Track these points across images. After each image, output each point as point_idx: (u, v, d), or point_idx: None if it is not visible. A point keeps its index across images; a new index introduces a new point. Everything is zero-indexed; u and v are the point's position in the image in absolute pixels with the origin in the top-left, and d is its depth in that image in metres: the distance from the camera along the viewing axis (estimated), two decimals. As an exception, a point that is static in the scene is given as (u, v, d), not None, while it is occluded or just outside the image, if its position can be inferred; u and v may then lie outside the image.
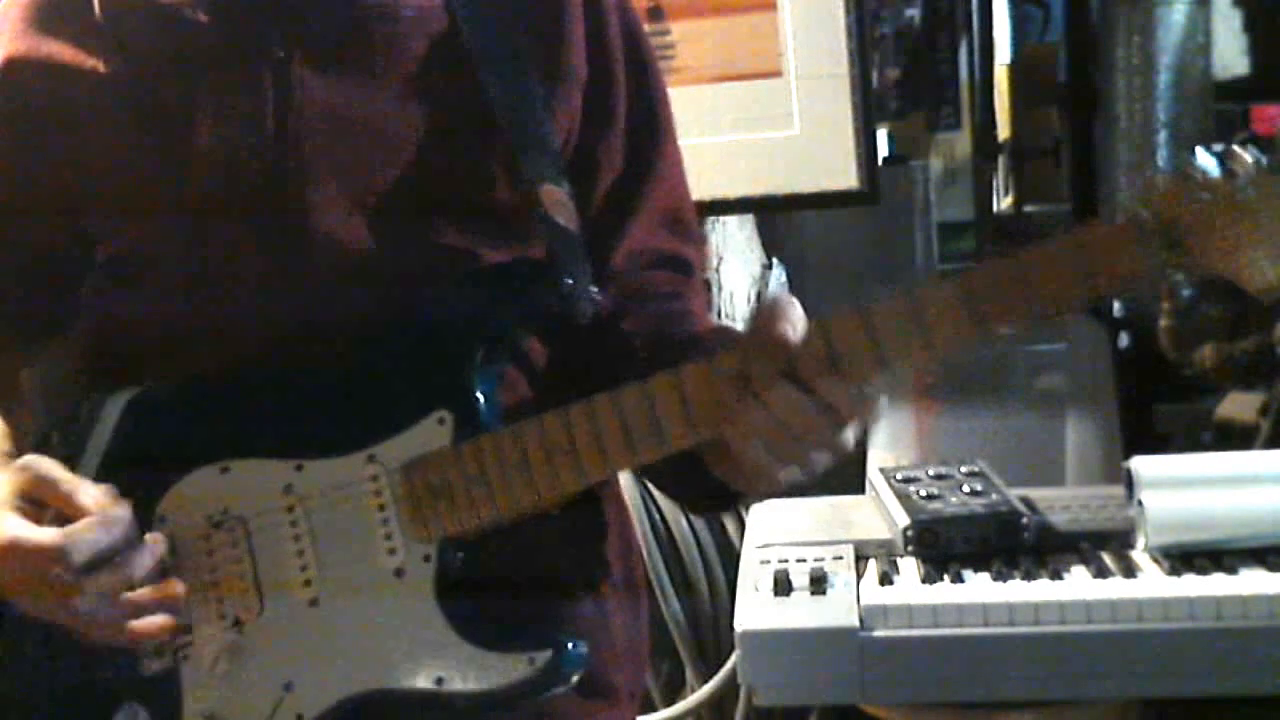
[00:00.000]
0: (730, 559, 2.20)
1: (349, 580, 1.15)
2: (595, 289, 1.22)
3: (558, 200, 1.19)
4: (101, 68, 1.21)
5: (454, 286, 1.18)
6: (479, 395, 1.15)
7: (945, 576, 1.75)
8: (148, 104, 1.20)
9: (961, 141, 2.96)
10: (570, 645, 1.13)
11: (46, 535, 1.10)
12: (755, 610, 1.69)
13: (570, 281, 1.17)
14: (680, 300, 1.29)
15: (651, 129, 1.29)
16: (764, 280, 2.43)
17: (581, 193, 1.23)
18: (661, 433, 1.09)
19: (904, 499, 1.89)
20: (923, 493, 1.90)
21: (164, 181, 1.20)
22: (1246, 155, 1.00)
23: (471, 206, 1.21)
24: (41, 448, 1.21)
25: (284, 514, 1.16)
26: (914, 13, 2.89)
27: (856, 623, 1.65)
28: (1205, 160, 1.02)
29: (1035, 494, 1.96)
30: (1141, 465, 1.84)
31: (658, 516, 2.29)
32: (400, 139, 1.20)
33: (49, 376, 1.33)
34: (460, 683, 1.12)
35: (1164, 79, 2.42)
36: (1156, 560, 1.77)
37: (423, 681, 1.13)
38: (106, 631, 1.12)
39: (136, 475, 1.16)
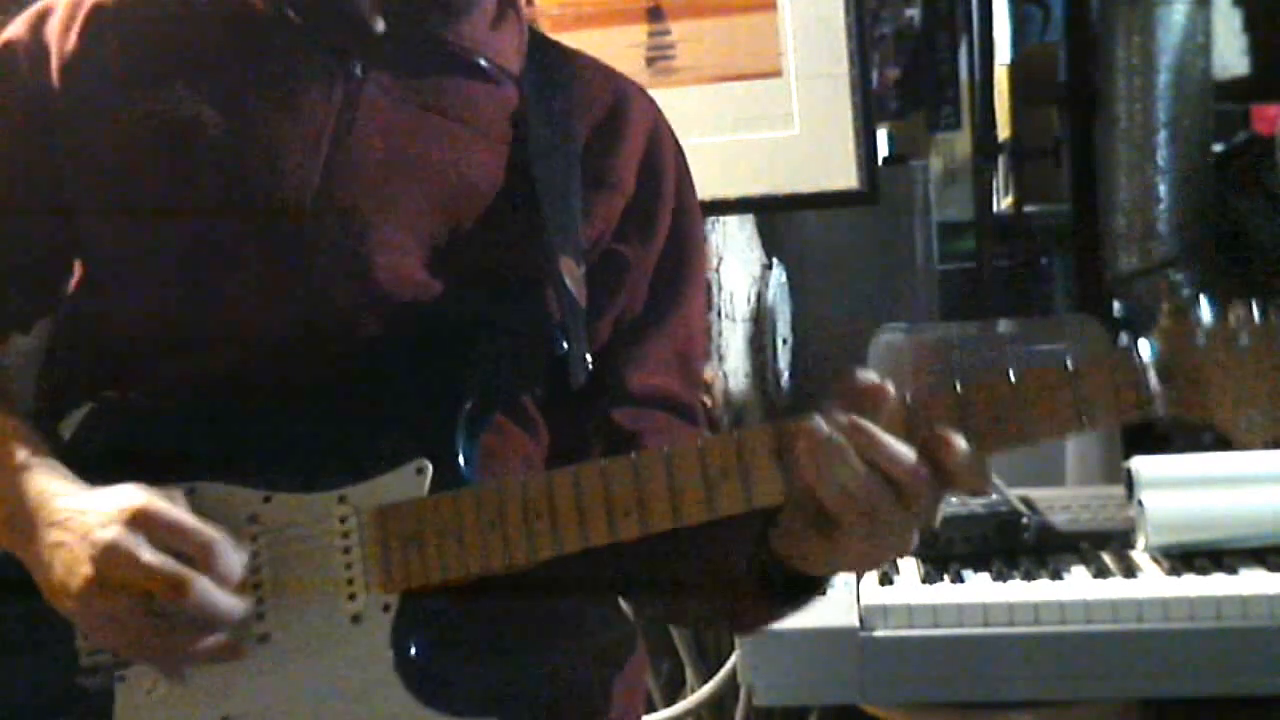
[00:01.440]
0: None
1: (303, 620, 1.11)
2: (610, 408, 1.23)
3: (574, 275, 1.19)
4: (175, 43, 1.22)
5: (449, 337, 1.16)
6: (461, 448, 1.12)
7: (945, 576, 1.75)
8: (214, 89, 1.20)
9: (961, 141, 2.96)
10: (519, 712, 1.10)
11: (202, 526, 1.06)
12: (755, 610, 1.69)
13: (566, 345, 1.16)
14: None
15: (682, 274, 1.30)
16: (764, 280, 2.43)
17: (596, 297, 1.23)
18: (645, 509, 1.05)
19: (904, 499, 1.89)
20: (923, 493, 1.90)
21: (202, 171, 1.19)
22: (1244, 306, 1.00)
23: (496, 263, 1.21)
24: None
25: (246, 544, 1.11)
26: (914, 13, 2.89)
27: (856, 623, 1.65)
28: (1206, 308, 1.01)
29: (1035, 494, 1.96)
30: (1141, 465, 1.84)
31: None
32: (444, 183, 1.20)
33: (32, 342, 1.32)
34: None
35: (1164, 79, 2.42)
36: (1156, 560, 1.78)
37: None
38: (120, 637, 1.08)
39: (158, 488, 1.11)
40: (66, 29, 1.24)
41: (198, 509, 1.10)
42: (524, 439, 1.23)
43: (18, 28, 1.26)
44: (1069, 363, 1.01)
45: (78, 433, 1.19)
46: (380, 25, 1.21)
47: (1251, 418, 1.00)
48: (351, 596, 1.11)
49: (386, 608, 1.10)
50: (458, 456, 1.12)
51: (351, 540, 1.11)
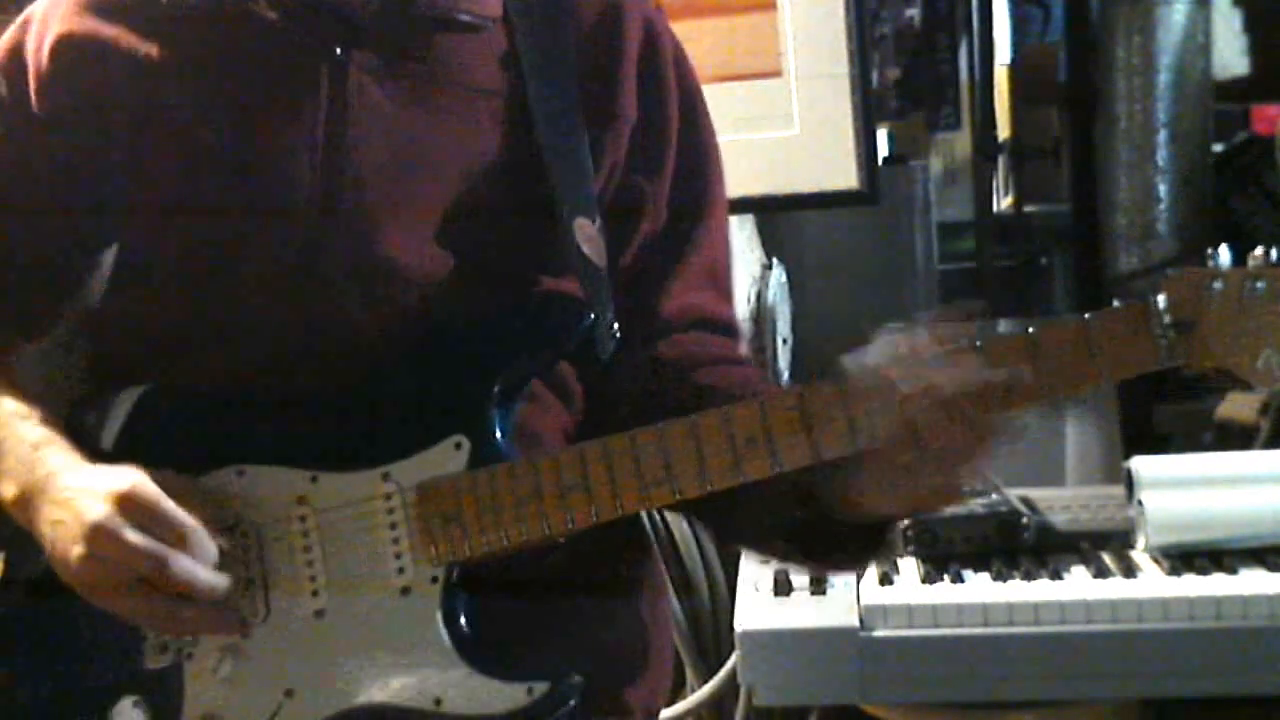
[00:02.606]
0: (730, 559, 2.20)
1: (355, 596, 1.15)
2: (650, 341, 1.23)
3: (589, 235, 1.20)
4: (155, 54, 1.22)
5: (481, 314, 1.18)
6: (497, 423, 1.15)
7: (945, 576, 1.75)
8: (199, 94, 1.21)
9: (961, 141, 2.96)
10: (569, 679, 1.13)
11: (180, 512, 1.11)
12: (755, 610, 1.69)
13: (593, 316, 1.18)
14: (740, 365, 1.29)
15: (700, 184, 1.30)
16: (764, 280, 2.42)
17: (618, 231, 1.24)
18: (673, 478, 1.09)
19: (904, 499, 1.89)
20: (923, 492, 1.90)
21: (203, 174, 1.20)
22: (1264, 251, 1.02)
23: (512, 231, 1.21)
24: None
25: (296, 524, 1.16)
26: (914, 13, 2.89)
27: (856, 623, 1.65)
28: (1224, 254, 1.03)
29: (1035, 494, 1.96)
30: (1141, 465, 1.84)
31: (657, 515, 2.29)
32: (447, 155, 1.20)
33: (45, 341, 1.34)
34: (458, 705, 1.12)
35: (1164, 79, 2.42)
36: (1156, 560, 1.77)
37: (421, 701, 1.13)
38: (107, 601, 1.13)
39: (151, 470, 1.14)
40: (39, 48, 1.24)
41: (247, 490, 1.17)
42: (560, 409, 1.25)
43: None
44: (1086, 315, 1.02)
45: (129, 418, 1.21)
46: (355, 4, 1.20)
47: (1269, 358, 1.00)
48: (400, 570, 1.15)
49: (434, 579, 1.14)
50: (494, 431, 1.15)
51: (397, 516, 1.15)
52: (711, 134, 1.32)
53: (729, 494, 1.10)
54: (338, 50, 1.19)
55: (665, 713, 2.30)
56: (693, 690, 2.29)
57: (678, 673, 2.35)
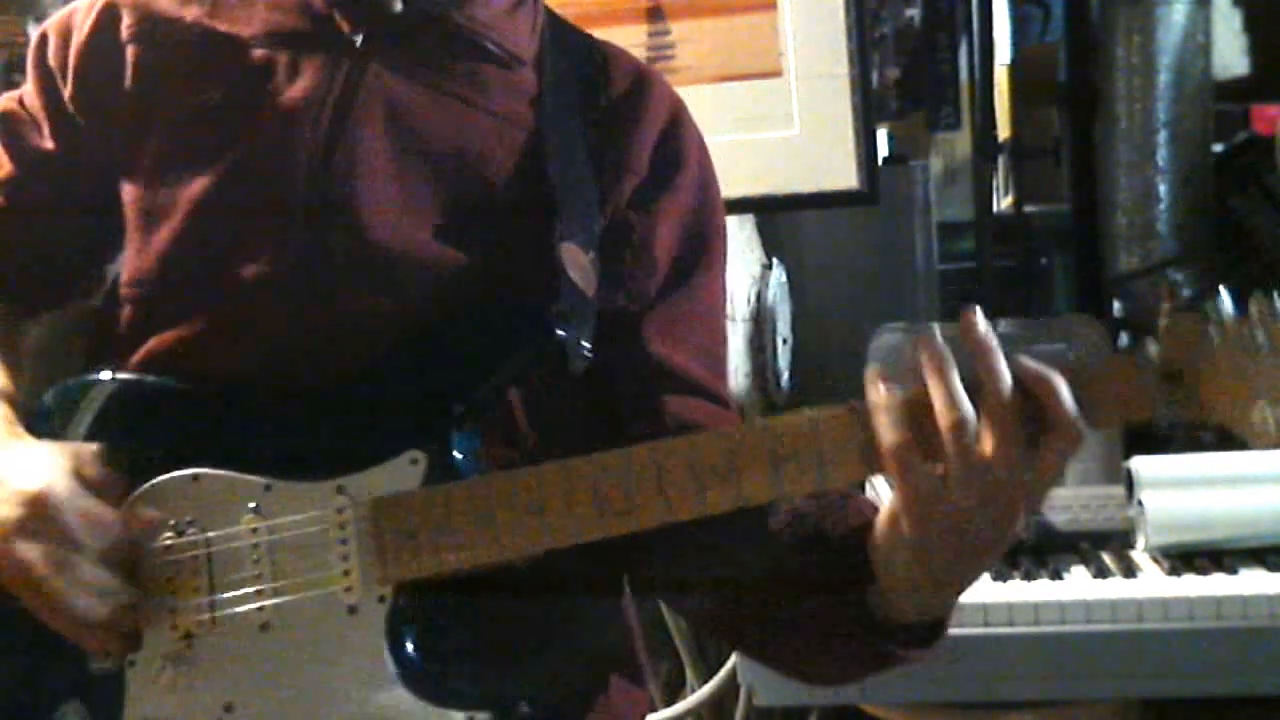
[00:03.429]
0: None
1: (301, 610, 1.12)
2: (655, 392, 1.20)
3: (578, 262, 1.19)
4: (189, 18, 1.25)
5: (446, 325, 1.16)
6: (456, 440, 1.13)
7: (945, 576, 1.75)
8: (226, 63, 1.22)
9: (961, 141, 2.95)
10: (515, 709, 1.10)
11: (77, 531, 1.10)
12: (755, 610, 1.69)
13: (563, 334, 1.15)
14: None
15: (698, 254, 1.28)
16: (764, 280, 2.43)
17: (609, 266, 1.22)
18: (634, 507, 1.06)
19: (904, 499, 1.88)
20: (923, 493, 1.90)
21: (210, 147, 1.21)
22: (1267, 299, 0.96)
23: (497, 247, 1.20)
24: (38, 419, 1.21)
25: (247, 534, 1.13)
26: (914, 13, 2.89)
27: (856, 623, 1.65)
28: (1225, 299, 0.98)
29: (1035, 494, 1.96)
30: (1141, 465, 1.84)
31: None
32: (445, 160, 1.21)
33: (45, 339, 1.34)
34: None
35: (1164, 79, 2.42)
36: (1156, 560, 1.78)
37: None
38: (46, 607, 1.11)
39: (109, 465, 1.14)
40: (85, 16, 1.28)
41: (201, 495, 1.14)
42: (528, 431, 1.22)
43: (60, 11, 1.31)
44: (1073, 357, 1.01)
45: (101, 409, 1.20)
46: (398, 6, 1.22)
47: (1264, 412, 0.96)
48: (348, 588, 1.11)
49: (382, 599, 1.11)
50: (453, 448, 1.13)
51: (348, 531, 1.12)
52: (721, 226, 1.31)
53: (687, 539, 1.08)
54: (358, 41, 1.21)
55: (665, 712, 2.30)
56: (693, 690, 2.29)
57: (678, 672, 2.35)
